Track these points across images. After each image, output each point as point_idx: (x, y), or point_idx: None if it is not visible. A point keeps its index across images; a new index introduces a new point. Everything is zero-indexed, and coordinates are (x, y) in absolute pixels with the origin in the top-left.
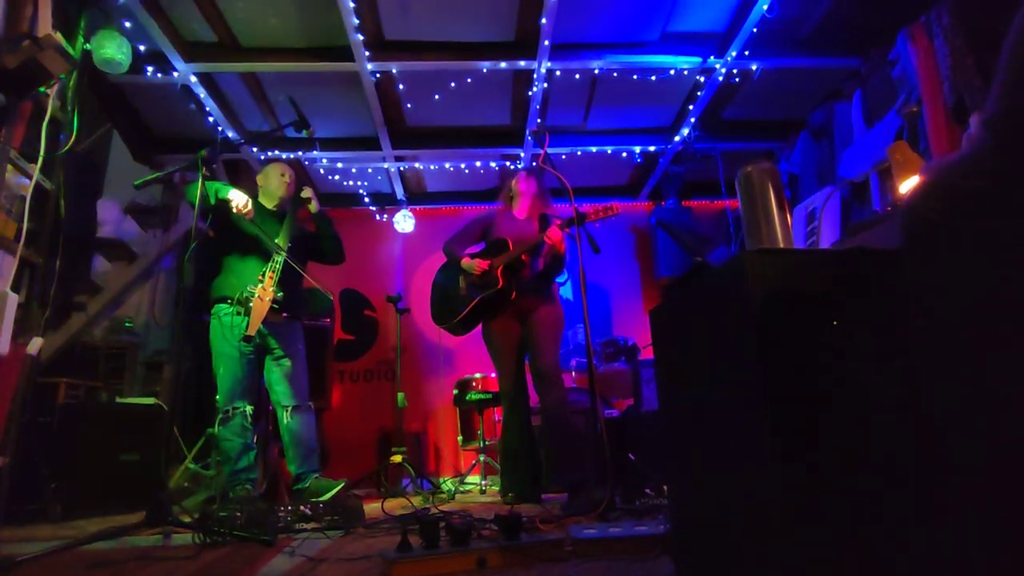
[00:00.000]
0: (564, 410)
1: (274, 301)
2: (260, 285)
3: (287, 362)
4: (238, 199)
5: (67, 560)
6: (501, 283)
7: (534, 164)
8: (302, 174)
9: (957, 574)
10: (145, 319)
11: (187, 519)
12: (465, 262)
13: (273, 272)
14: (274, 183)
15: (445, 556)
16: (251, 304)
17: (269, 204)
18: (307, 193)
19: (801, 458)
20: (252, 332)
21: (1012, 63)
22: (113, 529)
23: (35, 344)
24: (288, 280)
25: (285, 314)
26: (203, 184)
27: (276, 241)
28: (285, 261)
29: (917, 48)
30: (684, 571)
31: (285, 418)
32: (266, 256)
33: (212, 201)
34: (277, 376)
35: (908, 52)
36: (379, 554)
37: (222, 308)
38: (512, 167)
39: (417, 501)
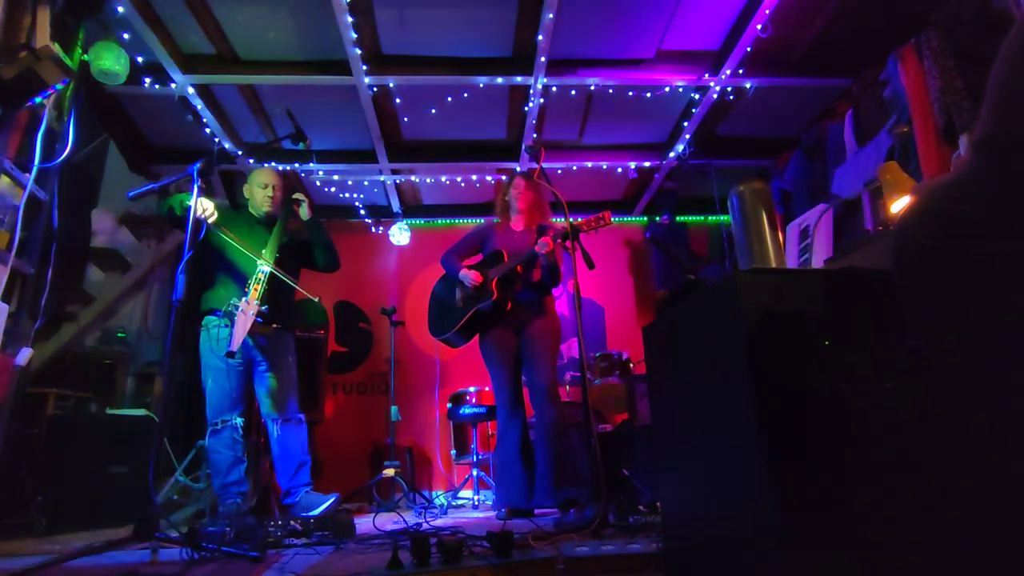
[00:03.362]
0: (559, 427)
1: (258, 314)
2: (244, 299)
3: (275, 375)
4: (199, 205)
5: None
6: (496, 295)
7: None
8: (298, 186)
9: None
10: (138, 330)
11: (175, 534)
12: (462, 273)
13: (258, 284)
14: (258, 197)
15: (436, 574)
16: (235, 318)
17: (257, 213)
18: (299, 197)
19: (793, 476)
20: (235, 347)
21: (1001, 88)
22: (99, 544)
23: (24, 355)
24: (278, 291)
25: (276, 325)
26: (196, 197)
27: (263, 252)
28: (272, 272)
29: (907, 69)
30: None
31: (275, 431)
32: (254, 265)
33: (178, 212)
34: (265, 389)
35: (898, 73)
36: (369, 571)
37: (211, 320)
38: (504, 180)
39: (409, 516)
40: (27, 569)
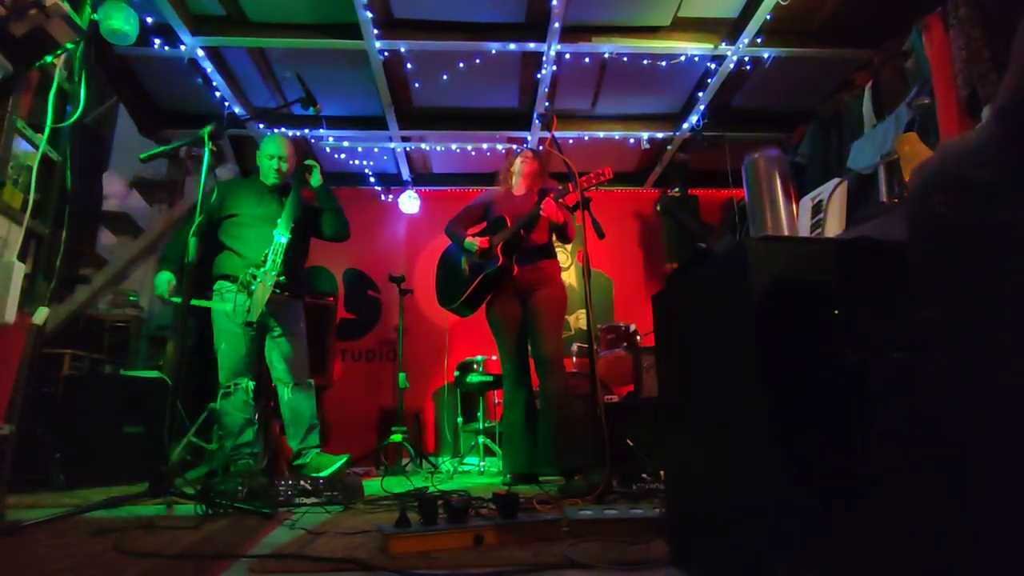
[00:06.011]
0: (563, 396)
1: (276, 285)
2: (263, 269)
3: (287, 340)
4: (160, 286)
5: (72, 526)
6: (501, 260)
7: (540, 147)
8: (308, 152)
9: (955, 566)
10: (149, 293)
11: (189, 491)
12: (467, 240)
13: (276, 255)
14: (265, 167)
15: (443, 532)
16: (253, 288)
17: (268, 182)
18: (310, 163)
19: (798, 446)
20: (254, 318)
21: None
22: (116, 498)
23: (41, 314)
24: (290, 258)
25: (287, 292)
26: (207, 162)
27: (278, 222)
28: (287, 241)
29: (931, 39)
30: (679, 553)
31: (286, 395)
32: (267, 234)
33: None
34: (277, 354)
35: (922, 43)
36: (378, 528)
37: (224, 285)
38: (515, 149)
39: (416, 480)
40: (50, 518)
